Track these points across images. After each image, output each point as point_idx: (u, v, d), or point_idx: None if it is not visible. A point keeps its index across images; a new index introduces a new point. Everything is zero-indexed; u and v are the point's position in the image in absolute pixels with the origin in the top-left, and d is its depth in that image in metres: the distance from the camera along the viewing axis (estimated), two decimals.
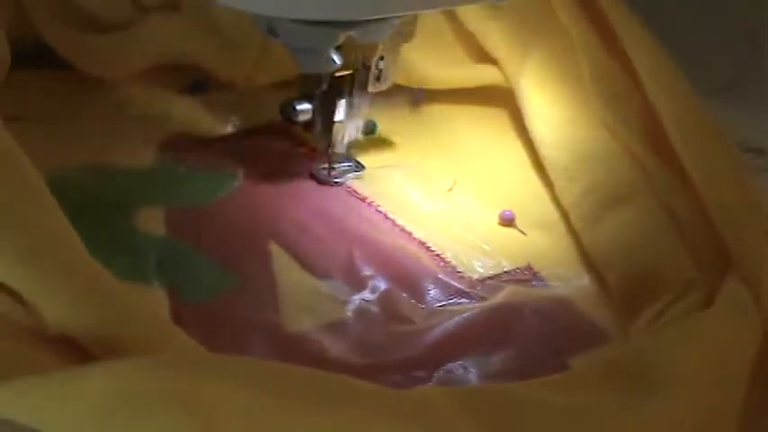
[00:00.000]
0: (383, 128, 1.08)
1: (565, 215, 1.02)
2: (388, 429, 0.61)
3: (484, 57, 1.18)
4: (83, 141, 0.99)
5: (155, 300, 0.83)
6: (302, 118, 1.00)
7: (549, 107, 1.07)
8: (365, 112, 1.03)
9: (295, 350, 0.81)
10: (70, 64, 1.06)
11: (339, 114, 1.00)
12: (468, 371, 0.82)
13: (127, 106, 1.05)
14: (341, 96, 0.99)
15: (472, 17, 1.17)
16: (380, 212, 0.99)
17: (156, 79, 1.09)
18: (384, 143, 1.09)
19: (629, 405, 0.68)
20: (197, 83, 1.11)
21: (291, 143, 1.07)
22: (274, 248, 0.92)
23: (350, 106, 1.01)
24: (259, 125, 1.08)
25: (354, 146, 1.05)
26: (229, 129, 1.07)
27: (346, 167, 1.04)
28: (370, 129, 1.06)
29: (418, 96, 1.09)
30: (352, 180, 1.03)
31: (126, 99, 1.06)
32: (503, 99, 1.16)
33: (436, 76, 1.16)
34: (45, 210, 0.70)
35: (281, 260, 0.91)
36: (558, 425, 0.66)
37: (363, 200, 1.01)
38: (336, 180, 1.02)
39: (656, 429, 0.67)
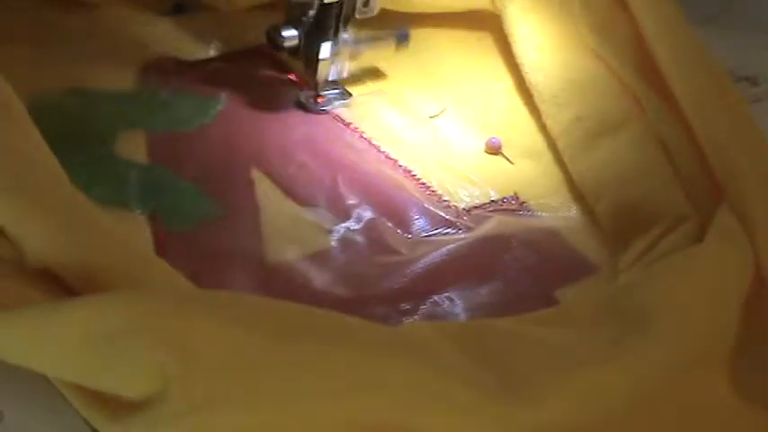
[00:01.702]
0: (368, 54, 1.06)
1: (553, 143, 1.00)
2: (378, 366, 0.60)
3: None
4: (63, 64, 0.97)
5: (136, 227, 0.81)
6: (288, 44, 0.99)
7: (538, 32, 1.05)
8: (352, 41, 1.01)
9: (278, 281, 0.80)
10: None
11: (325, 51, 0.98)
12: (454, 303, 0.81)
13: (108, 28, 1.03)
14: (328, 24, 0.97)
15: None
16: (365, 140, 0.98)
17: (137, 0, 1.06)
18: (369, 69, 1.07)
19: (619, 341, 0.67)
20: (179, 5, 1.09)
21: (276, 68, 1.05)
22: (257, 176, 0.90)
23: (337, 36, 0.99)
24: (243, 49, 1.06)
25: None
26: (212, 52, 1.05)
27: (333, 95, 1.02)
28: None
29: (401, 38, 1.06)
30: (338, 108, 1.01)
31: (107, 21, 1.04)
32: (487, 23, 1.14)
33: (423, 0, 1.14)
34: (27, 138, 0.69)
35: (264, 188, 0.90)
36: (550, 360, 0.66)
37: (348, 126, 0.99)
38: (323, 108, 1.00)
39: (647, 365, 0.67)
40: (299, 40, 0.98)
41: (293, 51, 0.99)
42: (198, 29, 1.06)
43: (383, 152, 0.96)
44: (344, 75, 1.02)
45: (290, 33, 0.98)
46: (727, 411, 0.72)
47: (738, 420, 0.72)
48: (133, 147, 0.90)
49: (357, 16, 0.99)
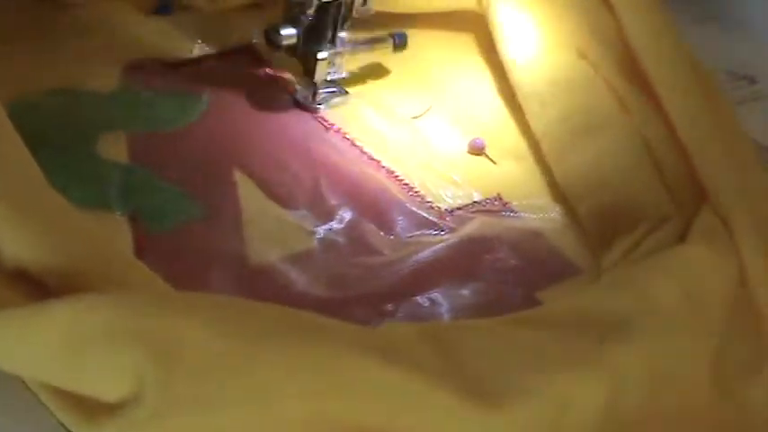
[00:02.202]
0: (350, 55, 1.05)
1: (536, 144, 1.00)
2: (356, 367, 0.60)
3: None
4: (45, 63, 0.97)
5: (117, 229, 0.81)
6: (286, 42, 0.98)
7: (523, 32, 1.05)
8: (350, 43, 1.02)
9: (261, 282, 0.80)
10: None
11: (323, 52, 0.99)
12: (436, 304, 0.81)
13: (91, 27, 1.03)
14: (326, 24, 0.97)
15: None
16: (348, 140, 0.97)
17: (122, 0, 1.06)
18: (352, 71, 1.07)
19: (600, 343, 0.67)
20: (164, 4, 1.08)
21: (260, 69, 1.05)
22: (239, 177, 0.90)
23: (335, 36, 0.99)
24: (227, 49, 1.06)
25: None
26: (196, 52, 1.04)
27: (330, 93, 1.02)
28: None
29: (398, 41, 1.06)
30: (330, 106, 1.01)
31: (91, 20, 1.03)
32: (472, 23, 1.14)
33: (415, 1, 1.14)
34: (4, 139, 0.68)
35: (246, 189, 0.89)
36: (528, 362, 0.66)
37: (331, 127, 0.99)
38: (319, 105, 1.00)
39: (628, 368, 0.67)
40: (298, 40, 0.98)
41: (291, 50, 0.99)
42: (182, 29, 1.06)
43: (366, 153, 0.96)
44: (343, 74, 1.02)
45: (288, 32, 0.98)
46: (711, 413, 0.72)
47: (723, 422, 0.72)
48: (115, 147, 0.90)
49: (355, 15, 0.99)
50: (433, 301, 0.81)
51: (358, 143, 0.97)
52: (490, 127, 1.03)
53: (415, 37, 1.13)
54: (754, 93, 1.09)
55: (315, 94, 1.01)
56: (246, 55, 1.06)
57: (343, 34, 1.00)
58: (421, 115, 1.02)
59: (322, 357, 0.60)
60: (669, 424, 0.69)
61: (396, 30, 1.08)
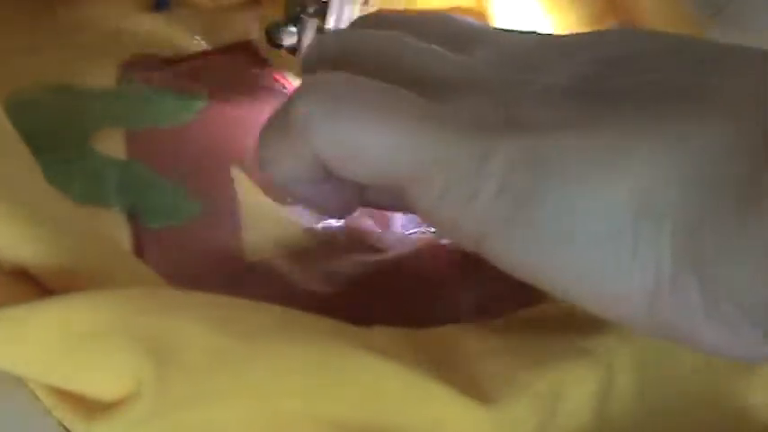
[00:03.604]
0: None
1: None
2: (353, 365, 0.60)
3: None
4: (41, 60, 0.96)
5: (114, 225, 0.81)
6: (287, 42, 0.98)
7: (522, 28, 1.04)
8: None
9: (259, 279, 0.80)
10: None
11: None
12: (435, 301, 0.81)
13: (87, 23, 1.02)
14: (326, 22, 0.97)
15: None
16: None
17: None
18: None
19: (594, 334, 0.67)
20: (162, 0, 1.08)
21: (260, 66, 1.04)
22: (237, 174, 0.90)
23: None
24: (226, 46, 1.05)
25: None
26: (195, 49, 1.04)
27: None
28: None
29: None
30: None
31: (86, 15, 1.03)
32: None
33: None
34: (1, 135, 0.68)
35: (244, 186, 0.89)
36: (522, 356, 0.66)
37: None
38: None
39: (621, 357, 0.67)
40: (298, 38, 0.98)
41: (292, 49, 0.99)
42: (180, 25, 1.05)
43: None
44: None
45: (289, 31, 0.98)
46: (706, 413, 0.72)
47: (719, 421, 0.72)
48: (113, 144, 0.89)
49: (357, 13, 0.98)
50: (431, 299, 0.81)
51: None
52: None
53: None
54: None
55: None
56: (245, 52, 1.05)
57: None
58: None
59: (318, 355, 0.60)
60: (662, 421, 0.69)
61: None
